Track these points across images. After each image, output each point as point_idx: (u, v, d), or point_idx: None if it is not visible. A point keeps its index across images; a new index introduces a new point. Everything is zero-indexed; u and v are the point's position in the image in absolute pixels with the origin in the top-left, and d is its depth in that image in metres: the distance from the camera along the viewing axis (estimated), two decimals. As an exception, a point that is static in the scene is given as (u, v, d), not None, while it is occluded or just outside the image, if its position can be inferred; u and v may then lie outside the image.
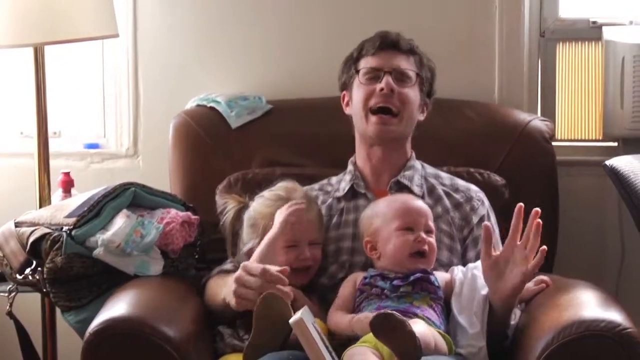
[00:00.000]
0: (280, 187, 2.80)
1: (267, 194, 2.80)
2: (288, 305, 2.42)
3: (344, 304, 2.61)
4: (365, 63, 2.84)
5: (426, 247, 2.62)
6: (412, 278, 2.58)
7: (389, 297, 2.56)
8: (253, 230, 2.76)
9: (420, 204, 2.71)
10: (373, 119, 2.79)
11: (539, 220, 2.51)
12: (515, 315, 2.61)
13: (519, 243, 2.52)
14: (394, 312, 2.34)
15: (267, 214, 2.74)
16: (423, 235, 2.63)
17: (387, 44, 2.84)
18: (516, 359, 2.52)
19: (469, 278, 2.61)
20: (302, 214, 2.69)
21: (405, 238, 2.63)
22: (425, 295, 2.57)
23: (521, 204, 2.54)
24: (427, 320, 2.51)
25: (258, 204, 2.79)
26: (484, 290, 2.56)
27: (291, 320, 2.34)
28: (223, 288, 2.62)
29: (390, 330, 2.31)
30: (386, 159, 2.85)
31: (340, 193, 2.86)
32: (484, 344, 2.52)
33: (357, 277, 2.65)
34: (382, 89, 2.77)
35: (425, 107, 2.88)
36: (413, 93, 2.82)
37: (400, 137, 2.84)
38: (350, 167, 2.90)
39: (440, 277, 2.64)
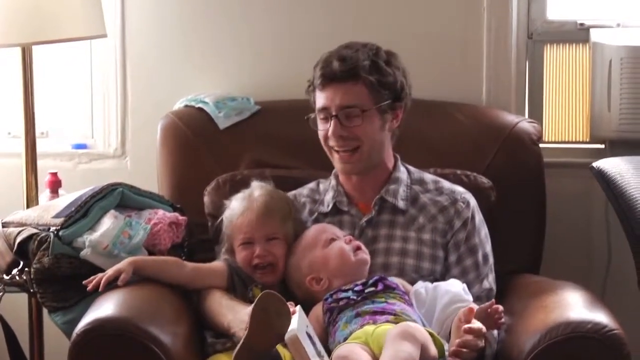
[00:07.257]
0: (250, 187, 2.81)
1: (236, 195, 2.81)
2: (285, 304, 2.39)
3: None
4: (317, 99, 2.78)
5: (363, 254, 2.66)
6: (371, 281, 2.58)
7: (358, 301, 2.54)
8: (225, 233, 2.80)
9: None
10: (336, 156, 2.78)
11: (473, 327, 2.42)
12: (495, 339, 2.58)
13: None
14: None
15: (229, 215, 2.77)
16: (355, 242, 2.67)
17: (329, 77, 2.73)
18: (503, 360, 2.54)
19: (430, 295, 2.61)
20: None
21: (338, 245, 2.65)
22: (394, 293, 2.57)
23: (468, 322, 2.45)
24: (407, 316, 2.49)
25: (228, 206, 2.80)
26: (441, 314, 2.56)
27: (286, 337, 2.33)
28: (229, 313, 2.58)
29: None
30: (365, 180, 2.83)
31: (325, 209, 2.85)
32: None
33: (317, 308, 2.61)
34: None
35: (396, 115, 2.79)
36: (367, 122, 2.73)
37: (368, 166, 2.80)
38: (333, 181, 2.88)
39: (398, 282, 2.65)
